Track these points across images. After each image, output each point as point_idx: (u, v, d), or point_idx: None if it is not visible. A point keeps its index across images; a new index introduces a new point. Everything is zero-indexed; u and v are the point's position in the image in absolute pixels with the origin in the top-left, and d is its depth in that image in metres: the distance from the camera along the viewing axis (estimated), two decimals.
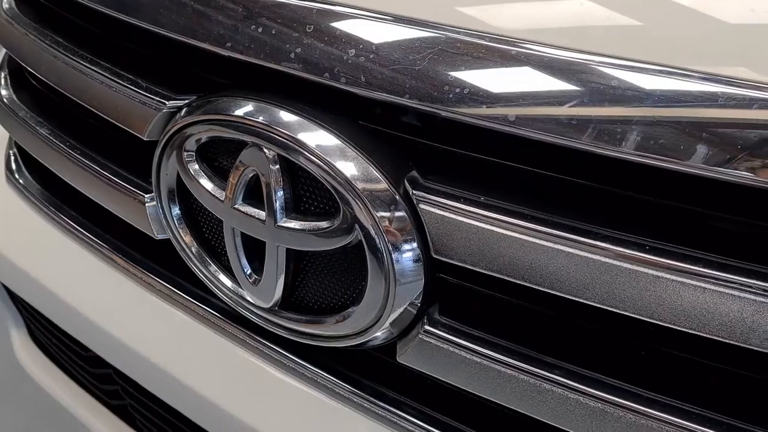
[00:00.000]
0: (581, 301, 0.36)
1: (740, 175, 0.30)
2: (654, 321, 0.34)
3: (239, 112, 0.43)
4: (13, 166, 0.68)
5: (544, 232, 0.35)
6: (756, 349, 0.32)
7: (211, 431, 0.53)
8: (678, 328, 0.33)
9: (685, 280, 0.32)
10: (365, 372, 0.46)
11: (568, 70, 0.34)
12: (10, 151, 0.69)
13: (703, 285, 0.32)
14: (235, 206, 0.44)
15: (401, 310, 0.41)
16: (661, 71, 0.33)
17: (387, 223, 0.40)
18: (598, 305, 0.35)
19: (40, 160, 0.61)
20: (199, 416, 0.54)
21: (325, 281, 0.45)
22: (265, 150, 0.42)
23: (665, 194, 0.35)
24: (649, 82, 0.32)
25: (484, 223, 0.37)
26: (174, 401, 0.55)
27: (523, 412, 0.39)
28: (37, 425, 0.98)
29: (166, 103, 0.47)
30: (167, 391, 0.55)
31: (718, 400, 0.35)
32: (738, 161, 0.30)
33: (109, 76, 0.50)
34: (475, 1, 0.40)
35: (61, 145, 0.57)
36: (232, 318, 0.51)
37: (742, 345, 0.32)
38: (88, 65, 0.52)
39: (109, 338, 0.58)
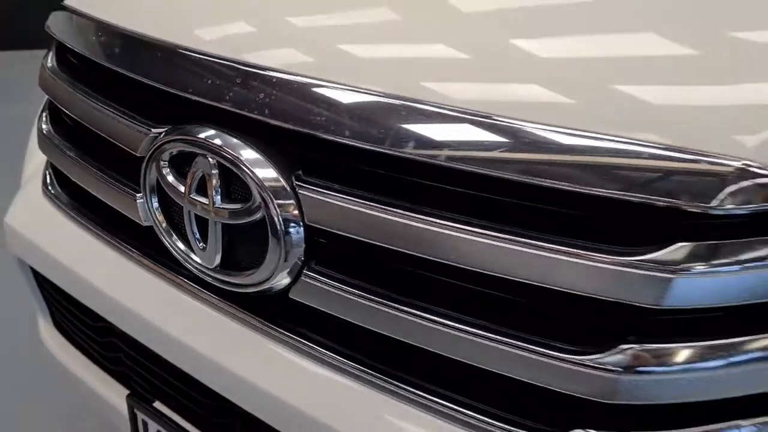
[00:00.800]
0: (396, 249, 0.57)
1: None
2: (436, 259, 0.55)
3: (194, 135, 0.66)
4: (48, 180, 0.92)
5: (372, 206, 0.57)
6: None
7: (174, 361, 0.75)
8: (465, 267, 0.54)
9: (467, 236, 0.53)
10: (272, 308, 0.68)
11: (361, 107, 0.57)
12: (47, 171, 0.93)
13: (477, 239, 0.53)
14: (190, 196, 0.67)
15: (291, 263, 0.64)
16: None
17: (280, 204, 0.62)
18: (414, 253, 0.56)
19: (67, 174, 0.85)
20: (168, 353, 0.76)
21: (246, 247, 0.67)
22: (209, 159, 0.65)
23: (442, 177, 0.56)
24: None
25: (339, 201, 0.59)
26: (151, 342, 0.77)
27: (369, 328, 0.61)
28: (56, 390, 1.19)
29: (151, 130, 0.71)
30: (147, 335, 0.77)
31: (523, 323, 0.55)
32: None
33: (115, 113, 0.74)
34: (345, 56, 0.64)
35: (81, 162, 0.81)
36: (189, 277, 0.73)
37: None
38: (101, 105, 0.76)
39: (110, 301, 0.80)
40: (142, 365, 0.88)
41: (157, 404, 0.88)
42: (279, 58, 0.64)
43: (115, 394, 0.94)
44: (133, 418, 0.90)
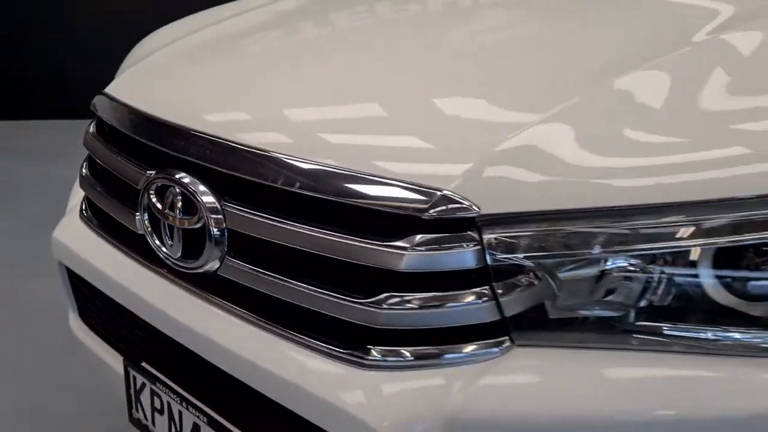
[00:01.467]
0: (273, 240, 0.97)
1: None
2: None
3: (169, 175, 1.09)
4: (83, 208, 1.36)
5: (262, 216, 0.98)
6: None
7: (152, 322, 1.15)
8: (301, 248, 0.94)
9: (306, 233, 0.94)
10: (209, 282, 1.08)
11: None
12: (83, 202, 1.37)
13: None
14: (165, 211, 1.09)
15: (219, 253, 1.04)
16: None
17: (214, 218, 1.03)
18: (281, 242, 0.96)
19: (95, 202, 1.29)
20: (149, 317, 1.16)
21: (195, 244, 1.08)
22: (177, 189, 1.07)
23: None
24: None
25: (246, 214, 1.00)
26: (139, 311, 1.18)
27: (264, 291, 1.00)
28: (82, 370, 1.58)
29: (146, 172, 1.14)
30: (137, 306, 1.18)
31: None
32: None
33: (127, 162, 1.18)
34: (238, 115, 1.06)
35: (104, 194, 1.25)
36: (163, 265, 1.14)
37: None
38: (120, 158, 1.20)
39: (115, 284, 1.21)
40: (135, 335, 1.29)
41: (144, 364, 1.28)
42: (216, 129, 1.07)
43: (115, 361, 1.34)
44: (126, 375, 1.30)
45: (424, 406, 0.87)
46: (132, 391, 1.29)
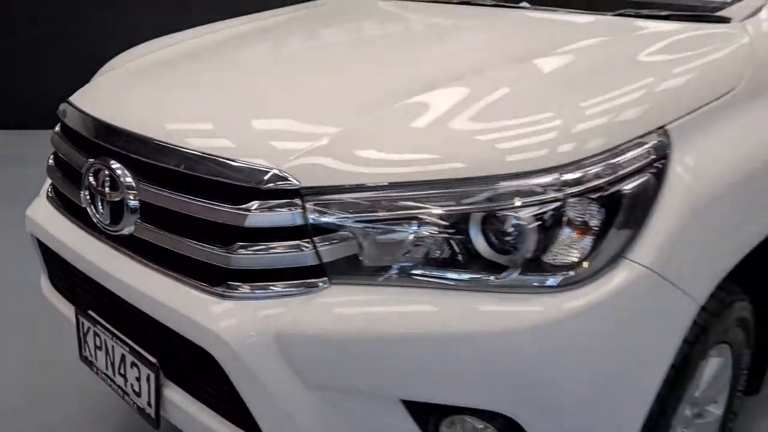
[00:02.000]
0: (165, 207, 1.33)
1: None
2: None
3: (102, 162, 1.45)
4: (49, 190, 1.73)
5: (161, 189, 1.34)
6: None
7: (90, 274, 1.51)
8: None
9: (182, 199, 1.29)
10: (128, 241, 1.44)
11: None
12: (49, 186, 1.74)
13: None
14: (98, 188, 1.45)
15: (134, 219, 1.40)
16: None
17: (130, 192, 1.39)
18: (169, 208, 1.32)
19: (56, 185, 1.66)
20: (88, 270, 1.52)
21: (119, 212, 1.43)
22: (107, 171, 1.43)
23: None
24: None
25: (151, 189, 1.36)
26: (83, 266, 1.54)
27: (160, 245, 1.36)
28: (51, 326, 1.94)
29: (87, 160, 1.50)
30: (81, 263, 1.54)
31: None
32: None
33: (77, 153, 1.55)
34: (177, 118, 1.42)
35: (62, 178, 1.62)
36: (97, 230, 1.50)
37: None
38: (74, 150, 1.57)
39: (68, 248, 1.58)
40: (82, 289, 1.65)
41: (90, 311, 1.64)
42: (134, 127, 1.44)
43: (70, 311, 1.70)
44: (77, 322, 1.66)
45: (261, 324, 1.21)
46: (81, 334, 1.65)
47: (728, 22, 1.72)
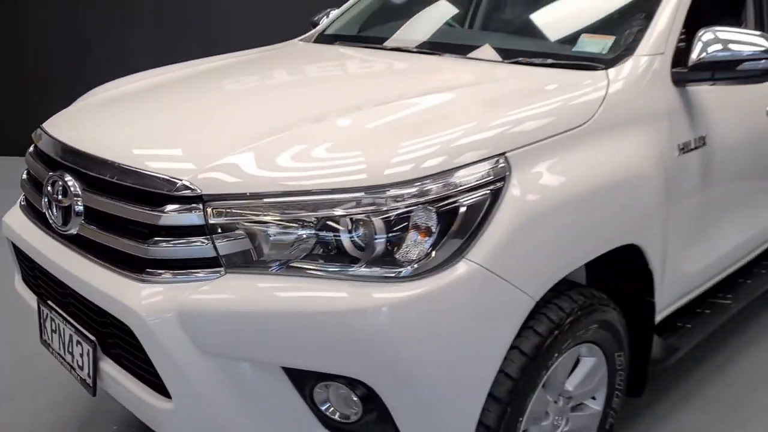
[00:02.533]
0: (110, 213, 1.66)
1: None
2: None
3: (58, 175, 1.78)
4: (21, 200, 2.06)
5: (102, 195, 1.67)
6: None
7: (45, 266, 1.83)
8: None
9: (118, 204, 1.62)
10: (74, 239, 1.76)
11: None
12: (21, 197, 2.08)
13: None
14: (54, 196, 1.78)
15: (79, 222, 1.72)
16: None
17: (77, 199, 1.72)
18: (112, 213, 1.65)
19: (26, 195, 2.00)
20: (45, 264, 1.84)
21: (68, 216, 1.76)
22: (60, 182, 1.76)
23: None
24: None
25: (93, 195, 1.69)
26: (40, 260, 1.86)
27: (101, 242, 1.68)
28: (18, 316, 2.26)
29: (48, 173, 1.83)
30: (39, 258, 1.86)
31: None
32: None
33: (42, 168, 1.89)
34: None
35: (30, 189, 1.96)
36: (53, 230, 1.82)
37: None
38: (40, 166, 1.91)
39: (31, 246, 1.90)
40: (42, 281, 1.96)
41: (49, 302, 1.95)
42: (83, 146, 1.78)
43: (34, 302, 2.02)
44: (39, 310, 1.98)
45: (168, 302, 1.52)
46: (41, 320, 1.97)
47: (595, 70, 2.04)
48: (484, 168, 1.57)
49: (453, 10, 2.89)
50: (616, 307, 2.02)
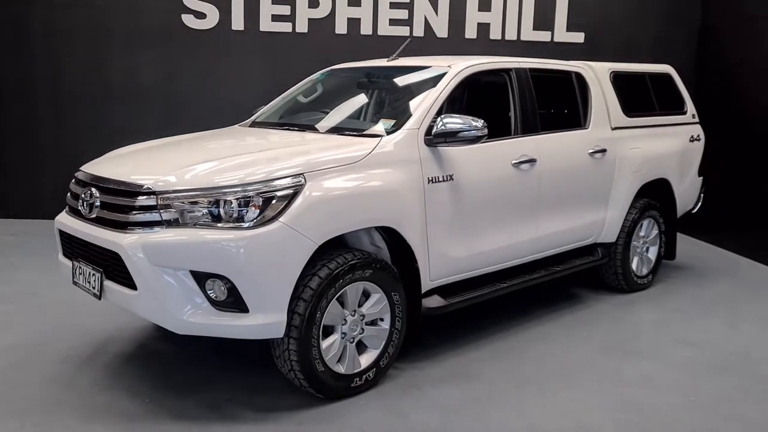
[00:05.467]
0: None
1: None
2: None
3: (88, 188, 3.55)
4: (66, 208, 3.84)
5: (110, 206, 3.43)
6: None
7: (81, 237, 3.56)
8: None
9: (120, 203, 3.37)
10: (95, 221, 3.50)
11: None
12: (66, 204, 3.85)
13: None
14: (82, 197, 3.54)
15: (97, 210, 3.47)
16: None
17: (97, 200, 3.48)
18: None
19: (69, 203, 3.78)
20: (81, 235, 3.58)
21: (93, 210, 3.51)
22: (89, 191, 3.52)
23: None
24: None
25: (105, 200, 3.44)
26: (78, 235, 3.59)
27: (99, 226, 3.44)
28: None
29: (82, 189, 3.60)
30: (78, 234, 3.60)
31: None
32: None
33: (78, 188, 3.66)
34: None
35: (72, 199, 3.76)
36: (84, 219, 3.57)
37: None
38: (76, 186, 3.69)
39: (72, 228, 3.64)
40: (74, 248, 3.68)
41: (77, 260, 3.67)
42: (103, 173, 3.55)
43: (69, 264, 3.74)
44: (72, 266, 3.70)
45: (137, 241, 3.23)
46: (74, 270, 3.69)
47: (375, 137, 3.81)
48: (291, 179, 3.31)
49: (321, 109, 4.73)
50: (386, 264, 3.69)
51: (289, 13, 7.69)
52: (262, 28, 7.70)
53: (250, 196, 3.23)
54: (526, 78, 4.64)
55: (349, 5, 7.69)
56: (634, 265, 5.59)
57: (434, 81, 4.22)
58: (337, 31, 7.69)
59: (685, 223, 7.70)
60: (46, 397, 3.57)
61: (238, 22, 7.68)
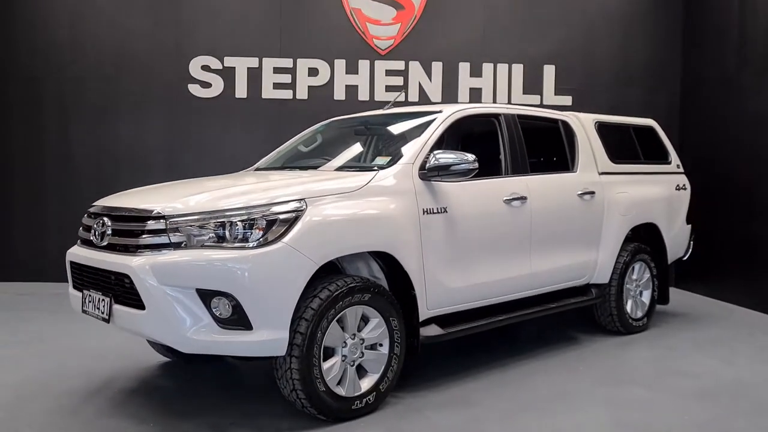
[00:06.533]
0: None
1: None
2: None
3: (99, 217, 3.75)
4: (78, 241, 4.03)
5: (123, 234, 3.63)
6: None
7: (92, 265, 3.73)
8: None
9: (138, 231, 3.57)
10: (107, 248, 3.69)
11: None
12: (79, 237, 4.04)
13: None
14: (94, 227, 3.73)
15: (109, 239, 3.66)
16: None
17: (108, 228, 3.67)
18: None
19: (81, 235, 3.98)
20: (93, 263, 3.75)
21: (105, 240, 3.70)
22: (102, 221, 3.72)
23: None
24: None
25: (116, 225, 3.64)
26: (89, 263, 3.77)
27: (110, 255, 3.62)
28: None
29: (93, 219, 3.81)
30: (88, 263, 3.77)
31: None
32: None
33: (90, 220, 3.88)
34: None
35: (84, 230, 3.95)
36: (97, 247, 3.75)
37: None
38: (89, 219, 3.91)
39: (84, 258, 3.82)
40: (84, 278, 3.84)
41: (86, 289, 3.82)
42: (116, 203, 3.77)
43: (79, 294, 3.90)
44: (82, 295, 3.85)
45: (146, 262, 3.40)
46: (83, 299, 3.83)
47: (372, 171, 4.04)
48: (293, 204, 3.51)
49: (322, 156, 4.99)
50: (384, 290, 3.84)
51: (289, 81, 8.10)
52: (264, 96, 8.09)
53: (254, 219, 3.42)
54: (515, 123, 4.92)
55: (347, 73, 8.11)
56: (628, 308, 5.71)
57: (427, 123, 4.50)
58: (335, 98, 8.08)
59: (678, 276, 7.86)
60: (51, 423, 3.64)
61: (241, 91, 8.07)
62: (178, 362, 4.78)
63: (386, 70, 8.13)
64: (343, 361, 3.69)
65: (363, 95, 8.11)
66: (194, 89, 8.06)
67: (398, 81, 8.12)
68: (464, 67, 8.19)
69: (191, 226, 3.43)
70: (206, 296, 3.37)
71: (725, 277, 7.34)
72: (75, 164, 8.04)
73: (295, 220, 3.49)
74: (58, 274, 4.13)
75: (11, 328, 5.80)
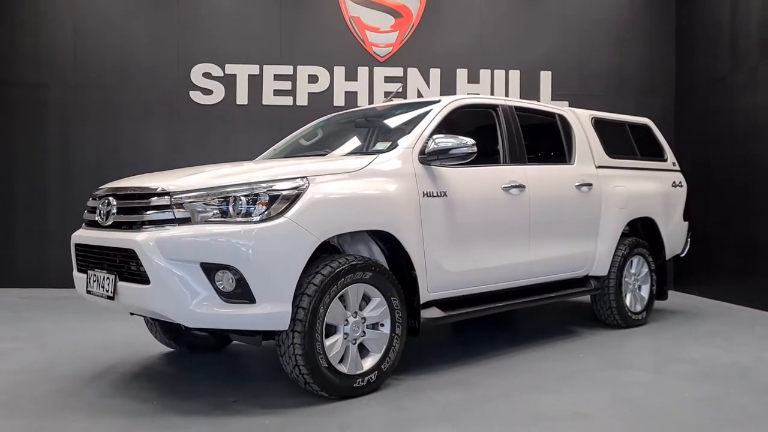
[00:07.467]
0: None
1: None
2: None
3: (104, 197, 3.80)
4: (83, 223, 4.07)
5: (128, 212, 3.68)
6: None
7: (97, 245, 3.78)
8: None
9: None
10: (112, 227, 3.73)
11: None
12: (83, 219, 4.09)
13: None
14: (99, 207, 3.79)
15: (114, 218, 3.71)
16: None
17: (113, 207, 3.72)
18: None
19: (86, 217, 4.03)
20: (98, 243, 3.79)
21: (110, 218, 3.75)
22: (107, 200, 3.78)
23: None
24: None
25: (121, 204, 3.69)
26: (94, 243, 3.81)
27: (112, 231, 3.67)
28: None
29: (98, 199, 3.86)
30: (93, 243, 3.81)
31: None
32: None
33: (96, 201, 3.93)
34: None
35: (89, 212, 4.00)
36: (102, 227, 3.80)
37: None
38: (96, 199, 3.96)
39: (88, 238, 3.86)
40: (88, 259, 3.88)
41: (91, 270, 3.86)
42: (118, 185, 3.82)
43: (83, 276, 3.93)
44: (86, 277, 3.89)
45: (151, 237, 3.44)
46: (88, 280, 3.87)
47: (372, 155, 4.11)
48: (296, 181, 3.57)
49: (323, 148, 5.07)
50: (385, 269, 3.88)
51: (290, 88, 8.21)
52: (264, 102, 8.19)
53: (257, 194, 3.47)
54: (512, 114, 5.00)
55: (346, 80, 8.22)
56: (627, 301, 5.74)
57: (426, 111, 4.57)
58: (335, 104, 8.17)
59: (676, 278, 7.90)
60: (52, 403, 3.65)
61: (242, 97, 8.17)
62: (181, 351, 4.79)
63: (385, 77, 8.25)
64: (345, 339, 3.72)
65: (362, 101, 8.21)
66: (195, 96, 8.16)
67: (397, 87, 8.22)
68: (462, 74, 8.30)
69: (195, 202, 3.48)
70: (210, 270, 3.40)
71: (722, 278, 7.38)
72: (77, 171, 8.10)
73: (297, 196, 3.54)
74: (59, 280, 4.14)
75: (13, 326, 5.81)
